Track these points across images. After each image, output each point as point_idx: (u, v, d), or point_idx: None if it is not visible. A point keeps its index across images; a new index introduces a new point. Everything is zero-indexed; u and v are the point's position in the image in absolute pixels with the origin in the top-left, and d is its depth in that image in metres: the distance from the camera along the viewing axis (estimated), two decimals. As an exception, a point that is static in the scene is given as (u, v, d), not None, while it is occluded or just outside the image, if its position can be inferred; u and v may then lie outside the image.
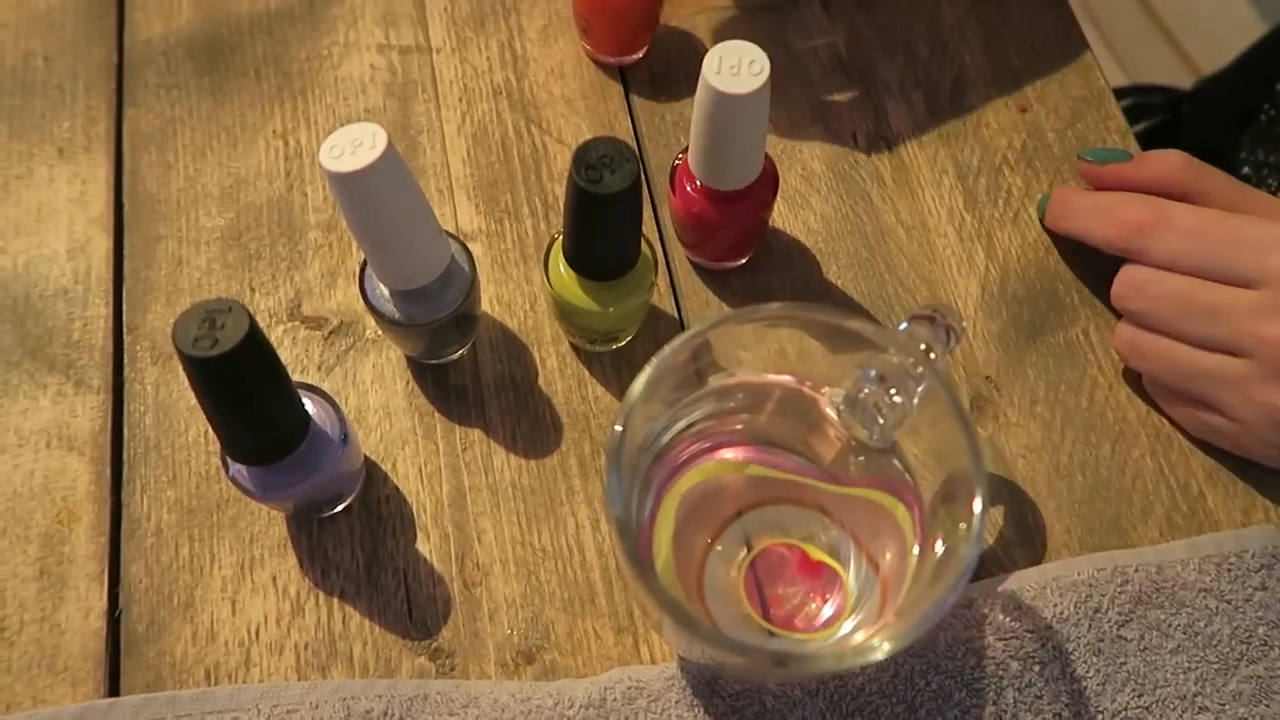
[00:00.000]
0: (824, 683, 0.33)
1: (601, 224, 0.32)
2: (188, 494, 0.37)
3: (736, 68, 0.31)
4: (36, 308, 0.40)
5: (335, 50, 0.45)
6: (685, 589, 0.32)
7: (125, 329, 0.39)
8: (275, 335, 0.39)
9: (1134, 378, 0.39)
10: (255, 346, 0.27)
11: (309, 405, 0.33)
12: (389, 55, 0.45)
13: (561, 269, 0.35)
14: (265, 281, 0.40)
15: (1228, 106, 0.79)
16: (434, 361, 0.38)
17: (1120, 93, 0.49)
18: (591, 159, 0.30)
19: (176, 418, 0.38)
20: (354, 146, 0.28)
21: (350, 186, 0.29)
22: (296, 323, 0.40)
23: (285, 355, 0.39)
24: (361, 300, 0.35)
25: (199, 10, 0.46)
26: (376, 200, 0.30)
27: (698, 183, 0.36)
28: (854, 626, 0.31)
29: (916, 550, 0.30)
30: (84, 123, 0.43)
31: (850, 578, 0.32)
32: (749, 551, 0.33)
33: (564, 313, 0.37)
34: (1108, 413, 0.39)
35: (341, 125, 0.43)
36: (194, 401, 0.38)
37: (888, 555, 0.31)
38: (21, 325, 0.39)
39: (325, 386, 0.38)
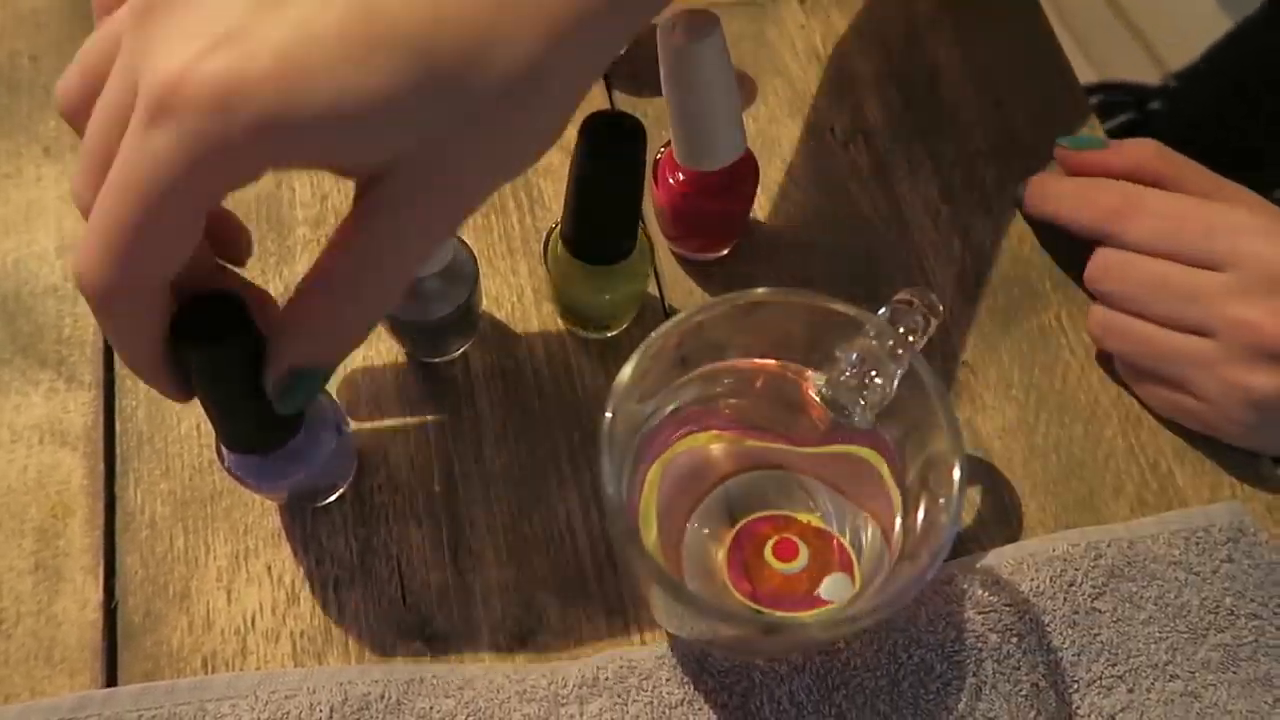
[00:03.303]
0: (810, 657, 0.34)
1: (603, 197, 0.33)
2: (181, 486, 0.37)
3: (691, 26, 0.32)
4: (27, 305, 0.40)
5: (320, 48, 0.46)
6: (671, 566, 0.33)
7: (116, 325, 0.40)
8: (266, 329, 0.40)
9: (1106, 360, 0.40)
10: (248, 336, 0.28)
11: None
12: (374, 53, 0.46)
13: (561, 256, 0.36)
14: (254, 277, 0.41)
15: (1196, 103, 0.81)
16: (437, 359, 0.39)
17: (1088, 90, 0.51)
18: (599, 128, 0.31)
19: (169, 412, 0.38)
20: None
21: None
22: (286, 317, 0.40)
23: (276, 349, 0.39)
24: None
25: (183, 10, 0.46)
26: None
27: (679, 172, 0.37)
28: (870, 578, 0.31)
29: (900, 522, 0.31)
30: (70, 122, 0.44)
31: (848, 539, 0.33)
32: (733, 527, 0.34)
33: (562, 299, 0.37)
34: (1080, 394, 0.40)
35: (328, 122, 0.44)
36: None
37: (883, 510, 0.32)
38: (12, 323, 0.40)
39: (316, 379, 0.39)
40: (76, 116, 0.26)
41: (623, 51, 0.46)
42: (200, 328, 0.26)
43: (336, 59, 0.21)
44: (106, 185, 0.23)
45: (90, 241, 0.23)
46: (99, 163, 0.23)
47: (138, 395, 0.39)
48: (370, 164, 0.23)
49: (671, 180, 0.38)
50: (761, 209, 0.43)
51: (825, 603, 0.32)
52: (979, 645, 0.34)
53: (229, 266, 0.30)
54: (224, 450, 0.33)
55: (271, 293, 0.40)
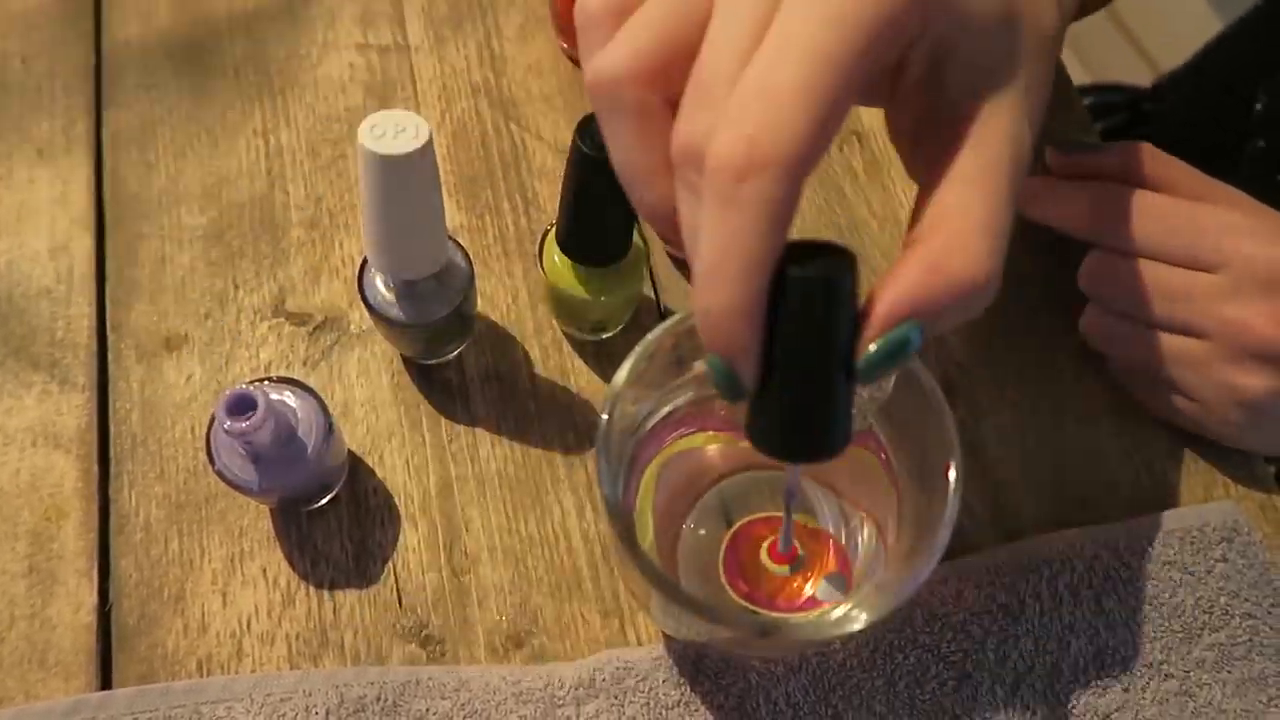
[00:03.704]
0: (806, 659, 0.34)
1: (600, 196, 0.33)
2: (175, 489, 0.37)
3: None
4: (19, 307, 0.40)
5: (314, 50, 0.46)
6: (667, 567, 0.33)
7: (109, 327, 0.40)
8: (260, 332, 0.40)
9: (1099, 360, 0.41)
10: (852, 277, 0.23)
11: (291, 400, 0.34)
12: (368, 54, 0.46)
13: (556, 258, 0.36)
14: (249, 279, 0.41)
15: (1189, 105, 0.81)
16: (432, 362, 0.39)
17: (1081, 91, 0.51)
18: (594, 129, 0.31)
19: (163, 414, 0.38)
20: (396, 131, 0.28)
21: (386, 170, 0.29)
22: (281, 319, 0.40)
23: (270, 352, 0.39)
24: (359, 299, 0.35)
25: (176, 11, 0.46)
26: (406, 188, 0.30)
27: None
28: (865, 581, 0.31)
29: (895, 523, 0.31)
30: (63, 124, 0.44)
31: (844, 539, 0.33)
32: (729, 528, 0.34)
33: (557, 301, 0.37)
34: (1075, 396, 0.40)
35: (323, 124, 0.44)
36: (180, 398, 0.38)
37: (878, 510, 0.32)
38: (5, 325, 0.40)
39: (311, 382, 0.38)
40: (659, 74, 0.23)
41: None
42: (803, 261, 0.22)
43: None
44: (782, 42, 0.21)
45: (776, 99, 0.20)
46: (754, 28, 0.22)
47: (131, 398, 0.38)
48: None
49: None
50: (756, 210, 0.43)
51: (821, 604, 0.32)
52: (974, 646, 0.35)
53: None
54: (214, 451, 0.33)
55: (267, 294, 0.41)
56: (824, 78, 0.20)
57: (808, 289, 0.21)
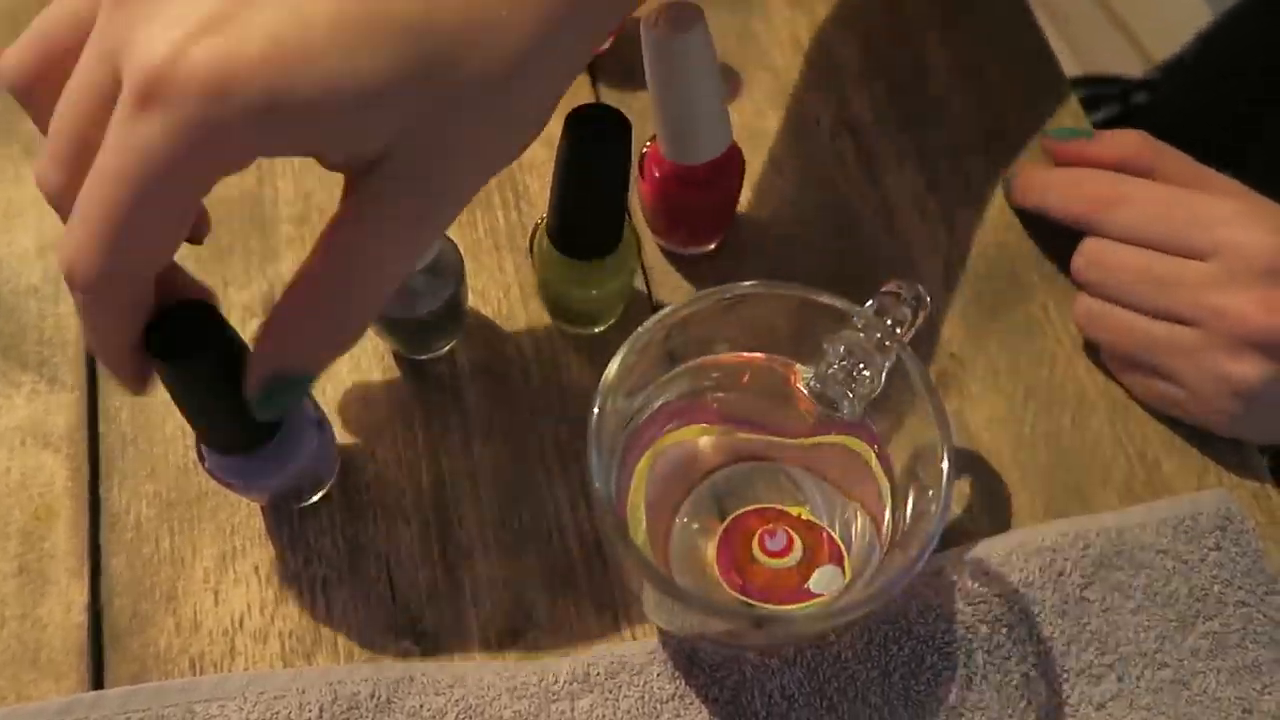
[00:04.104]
0: (801, 650, 0.34)
1: (589, 192, 0.33)
2: (167, 487, 0.37)
3: (675, 19, 0.32)
4: (8, 305, 0.40)
5: (302, 45, 0.45)
6: (660, 560, 0.33)
7: (98, 325, 0.39)
8: (250, 328, 0.40)
9: (1093, 350, 0.41)
10: (222, 347, 0.27)
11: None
12: (357, 49, 0.45)
13: (547, 252, 0.36)
14: (238, 275, 0.41)
15: (1181, 96, 0.82)
16: (424, 357, 0.39)
17: (1074, 83, 0.51)
18: (583, 122, 0.31)
19: (153, 412, 0.38)
20: None
21: None
22: (271, 315, 0.40)
23: (261, 348, 0.39)
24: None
25: (164, 6, 0.46)
26: None
27: (664, 166, 0.37)
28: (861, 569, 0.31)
29: (889, 513, 0.31)
30: (50, 120, 0.43)
31: (838, 531, 0.33)
32: (722, 521, 0.33)
33: (549, 295, 0.37)
34: (1068, 385, 0.40)
35: (311, 119, 0.44)
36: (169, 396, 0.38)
37: (872, 501, 0.32)
38: (-8, 324, 0.39)
39: (302, 378, 0.38)
40: (30, 92, 0.25)
41: (607, 45, 0.46)
42: (173, 338, 0.26)
43: (330, 43, 0.21)
44: (95, 174, 0.22)
45: (80, 231, 0.22)
46: (73, 148, 0.23)
47: (121, 397, 0.38)
48: (361, 153, 0.23)
49: (657, 174, 0.38)
50: (748, 203, 0.43)
51: (815, 595, 0.32)
52: (969, 636, 0.35)
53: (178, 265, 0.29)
54: (205, 452, 0.33)
55: (256, 291, 0.40)
56: (116, 207, 0.21)
57: (173, 370, 0.26)
